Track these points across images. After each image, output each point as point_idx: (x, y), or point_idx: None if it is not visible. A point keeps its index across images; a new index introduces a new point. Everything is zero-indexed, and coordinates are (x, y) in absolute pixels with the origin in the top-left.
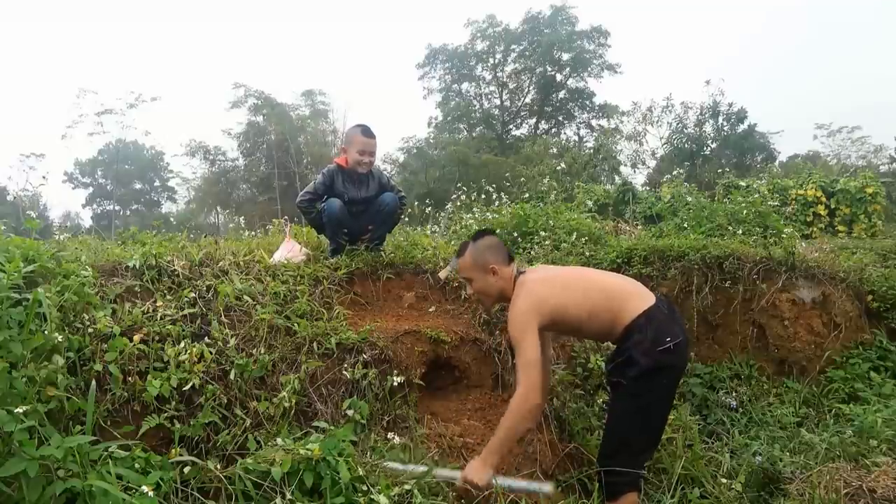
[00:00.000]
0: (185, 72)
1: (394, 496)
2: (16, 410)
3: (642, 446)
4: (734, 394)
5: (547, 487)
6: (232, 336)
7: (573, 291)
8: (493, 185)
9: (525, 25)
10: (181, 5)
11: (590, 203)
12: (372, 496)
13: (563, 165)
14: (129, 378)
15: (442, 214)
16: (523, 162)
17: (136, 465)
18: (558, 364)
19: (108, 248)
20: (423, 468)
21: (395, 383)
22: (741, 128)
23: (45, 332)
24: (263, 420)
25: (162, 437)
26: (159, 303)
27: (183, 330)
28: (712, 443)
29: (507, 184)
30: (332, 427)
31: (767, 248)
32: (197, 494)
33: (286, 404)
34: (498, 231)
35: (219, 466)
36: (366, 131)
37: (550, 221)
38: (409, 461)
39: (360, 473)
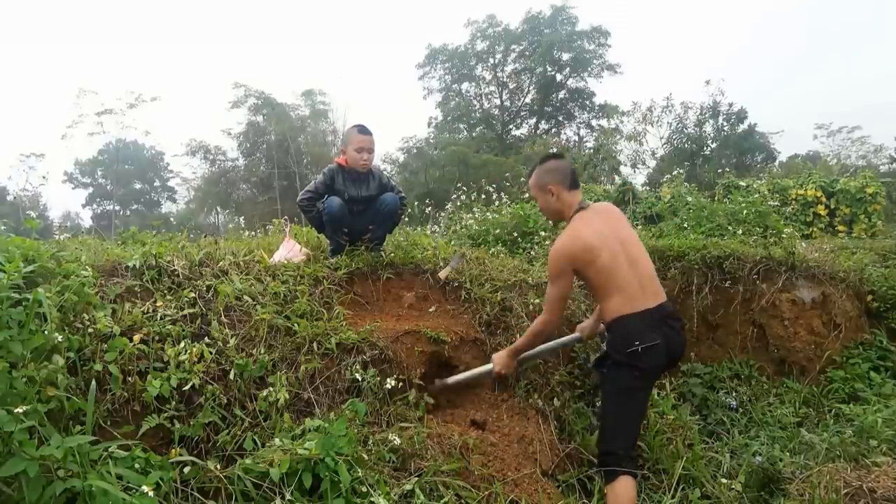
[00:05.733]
0: (185, 72)
1: (394, 496)
2: (16, 410)
3: (624, 432)
4: (734, 394)
5: (487, 366)
6: (232, 336)
7: (607, 255)
8: (493, 185)
9: (525, 25)
10: (181, 5)
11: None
12: (372, 498)
13: None
14: (129, 378)
15: (442, 214)
16: (523, 162)
17: (136, 465)
18: (558, 365)
19: (108, 248)
20: (462, 375)
21: (392, 385)
22: (741, 128)
23: (45, 332)
24: (262, 420)
25: (162, 437)
26: (159, 303)
27: (183, 330)
28: (712, 443)
29: (507, 184)
30: (327, 424)
31: (767, 248)
32: (197, 494)
33: (278, 396)
34: (498, 231)
35: (218, 466)
36: (362, 129)
37: (550, 222)
38: (410, 461)
39: (360, 474)
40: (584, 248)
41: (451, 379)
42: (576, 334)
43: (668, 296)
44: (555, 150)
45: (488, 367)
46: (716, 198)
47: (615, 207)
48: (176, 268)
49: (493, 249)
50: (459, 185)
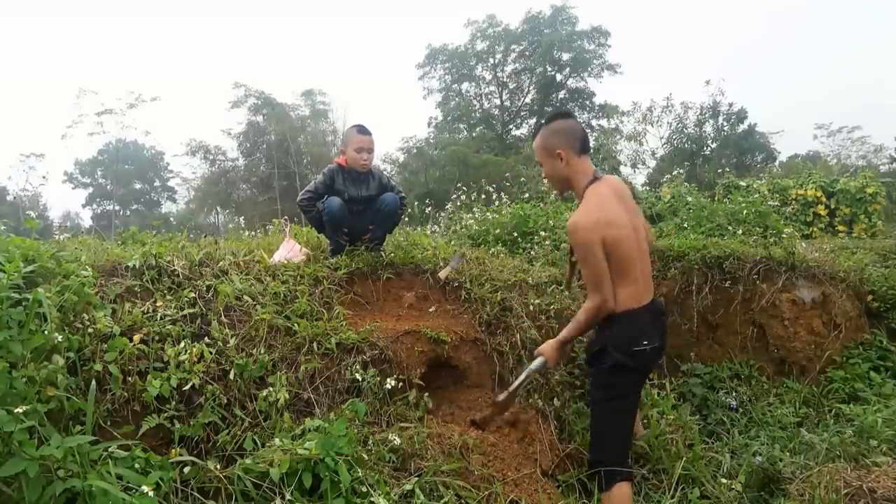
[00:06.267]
0: (185, 71)
1: (394, 496)
2: (16, 410)
3: (619, 435)
4: (734, 394)
5: (539, 360)
6: (232, 336)
7: (627, 242)
8: (493, 185)
9: (525, 25)
10: (181, 5)
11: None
12: (372, 498)
13: None
14: (129, 378)
15: (442, 214)
16: (523, 162)
17: (136, 465)
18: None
19: (108, 248)
20: (519, 379)
21: (392, 385)
22: (741, 128)
23: (45, 332)
24: (262, 420)
25: (162, 437)
26: (159, 303)
27: (183, 330)
28: (712, 443)
29: (507, 184)
30: (327, 424)
31: (767, 248)
32: (197, 494)
33: (278, 396)
34: (498, 231)
35: (218, 466)
36: (361, 129)
37: (550, 221)
38: (410, 461)
39: (360, 474)
40: (608, 222)
41: (511, 387)
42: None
43: (668, 296)
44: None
45: (541, 361)
46: (716, 198)
47: (627, 188)
48: (176, 268)
49: (493, 249)
50: (459, 185)
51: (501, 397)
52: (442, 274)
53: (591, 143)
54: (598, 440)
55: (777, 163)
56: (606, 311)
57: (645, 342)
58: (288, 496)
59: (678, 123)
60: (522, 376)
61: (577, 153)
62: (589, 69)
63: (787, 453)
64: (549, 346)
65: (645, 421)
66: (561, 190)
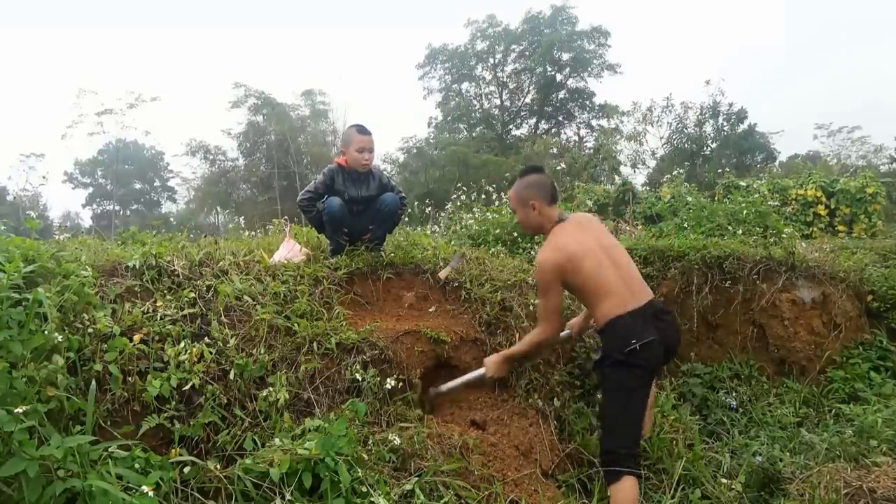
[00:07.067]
0: (185, 72)
1: (394, 496)
2: (16, 410)
3: (627, 431)
4: (734, 394)
5: (479, 371)
6: (232, 336)
7: (592, 262)
8: (493, 185)
9: (525, 25)
10: (181, 5)
11: (590, 203)
12: (372, 498)
13: (563, 165)
14: (129, 378)
15: (442, 214)
16: (523, 162)
17: (136, 465)
18: (558, 365)
19: (108, 248)
20: (455, 381)
21: (392, 385)
22: (741, 128)
23: (45, 332)
24: (262, 420)
25: (162, 437)
26: (159, 303)
27: (183, 330)
28: (712, 443)
29: (507, 184)
30: (327, 424)
31: (767, 248)
32: (197, 494)
33: (278, 396)
34: (498, 231)
35: (218, 466)
36: (361, 129)
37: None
38: (410, 461)
39: (360, 474)
40: (567, 257)
41: (445, 386)
42: (480, 370)
43: (668, 296)
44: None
45: (480, 371)
46: (716, 198)
47: (594, 217)
48: (176, 268)
49: (493, 249)
50: (459, 185)
51: (433, 392)
52: (442, 274)
53: (591, 145)
54: (609, 430)
55: (777, 163)
56: (550, 343)
57: (634, 340)
58: (288, 496)
59: (678, 123)
60: (459, 381)
61: (549, 203)
62: (589, 69)
63: (787, 453)
64: (493, 360)
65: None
66: (532, 233)
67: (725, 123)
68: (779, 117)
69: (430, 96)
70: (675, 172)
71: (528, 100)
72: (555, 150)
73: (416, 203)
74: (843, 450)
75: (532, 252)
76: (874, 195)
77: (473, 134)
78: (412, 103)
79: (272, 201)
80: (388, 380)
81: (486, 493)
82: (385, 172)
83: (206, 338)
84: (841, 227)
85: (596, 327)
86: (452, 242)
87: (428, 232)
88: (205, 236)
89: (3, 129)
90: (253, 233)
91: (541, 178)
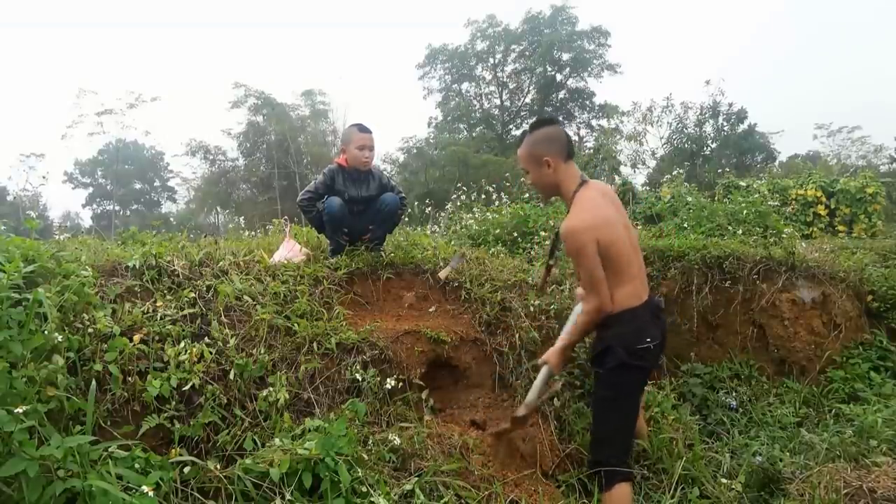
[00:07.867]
0: (185, 72)
1: (394, 496)
2: (16, 410)
3: (621, 435)
4: (734, 394)
5: (546, 370)
6: (232, 336)
7: (623, 238)
8: (493, 185)
9: (525, 25)
10: (181, 6)
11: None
12: (372, 498)
13: None
14: (129, 378)
15: (442, 214)
16: None
17: (136, 465)
18: None
19: (108, 248)
20: (533, 393)
21: (392, 385)
22: (741, 128)
23: (45, 332)
24: (262, 420)
25: (162, 437)
26: (159, 303)
27: (183, 330)
28: (712, 443)
29: (507, 184)
30: (327, 424)
31: (767, 248)
32: (197, 494)
33: (278, 396)
34: (498, 231)
35: (218, 466)
36: (361, 128)
37: (550, 221)
38: (410, 461)
39: (360, 474)
40: (605, 221)
41: (528, 400)
42: (543, 370)
43: (668, 296)
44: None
45: (547, 370)
46: (716, 198)
47: (612, 190)
48: (176, 268)
49: (493, 249)
50: (459, 185)
51: (521, 412)
52: (442, 274)
53: (591, 145)
54: (599, 440)
55: (777, 163)
56: (604, 312)
57: (648, 339)
58: (288, 496)
59: (678, 123)
60: (537, 390)
61: (564, 159)
62: (589, 69)
63: (787, 453)
64: (552, 354)
65: (649, 420)
66: (547, 196)
67: (725, 123)
68: (779, 117)
69: (430, 96)
70: (675, 172)
71: (528, 100)
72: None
73: (416, 203)
74: (843, 450)
75: (532, 252)
76: (874, 195)
77: (473, 134)
78: (412, 103)
79: (272, 201)
80: (388, 380)
81: (486, 493)
82: (385, 172)
83: (206, 338)
84: (841, 227)
85: (610, 313)
86: (452, 242)
87: (428, 232)
88: (205, 236)
89: (3, 129)
90: (253, 233)
91: (555, 131)
